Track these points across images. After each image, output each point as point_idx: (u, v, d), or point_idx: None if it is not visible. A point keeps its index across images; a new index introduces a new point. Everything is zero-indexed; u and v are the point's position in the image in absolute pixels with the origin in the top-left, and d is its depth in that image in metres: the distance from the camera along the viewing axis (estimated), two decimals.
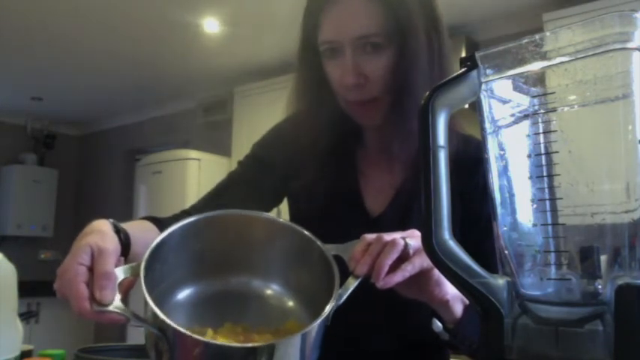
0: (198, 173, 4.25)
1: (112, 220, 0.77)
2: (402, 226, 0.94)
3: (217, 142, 4.64)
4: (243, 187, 1.05)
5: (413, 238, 0.74)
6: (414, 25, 0.88)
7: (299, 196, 1.04)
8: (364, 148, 1.01)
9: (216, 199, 1.04)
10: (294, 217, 1.06)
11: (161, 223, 0.92)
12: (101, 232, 0.71)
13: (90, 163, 6.24)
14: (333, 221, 0.98)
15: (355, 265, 0.73)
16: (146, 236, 0.80)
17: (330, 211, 0.98)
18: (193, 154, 4.33)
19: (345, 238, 0.96)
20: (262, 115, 3.96)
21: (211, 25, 3.61)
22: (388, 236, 0.73)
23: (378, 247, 0.72)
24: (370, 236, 0.74)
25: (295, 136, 1.00)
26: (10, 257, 0.81)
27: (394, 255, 0.71)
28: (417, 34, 0.88)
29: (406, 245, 0.72)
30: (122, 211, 5.59)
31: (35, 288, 5.32)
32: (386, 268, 0.70)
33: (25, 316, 4.95)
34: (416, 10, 0.89)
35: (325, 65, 0.92)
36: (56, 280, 0.67)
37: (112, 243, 0.69)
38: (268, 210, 1.07)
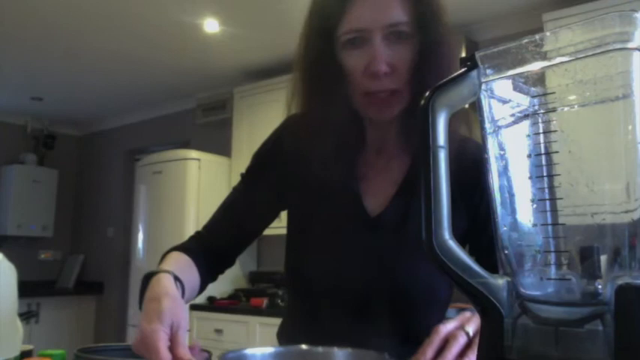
0: (198, 173, 4.25)
1: (174, 274, 0.84)
2: (402, 226, 0.94)
3: (217, 142, 4.64)
4: (248, 201, 1.07)
5: (470, 323, 0.76)
6: (436, 20, 0.90)
7: (299, 198, 1.04)
8: (365, 150, 1.01)
9: (225, 217, 1.07)
10: (292, 219, 1.06)
11: (191, 252, 1.00)
12: (172, 297, 0.78)
13: (90, 163, 6.24)
14: (332, 222, 0.98)
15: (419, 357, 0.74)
16: (191, 279, 0.94)
17: (329, 212, 0.99)
18: (193, 154, 4.33)
19: (344, 238, 0.96)
20: (262, 115, 3.96)
21: (211, 25, 3.61)
22: (446, 330, 0.75)
23: (438, 339, 0.75)
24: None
25: (295, 141, 0.99)
26: (10, 257, 0.81)
27: (456, 348, 0.73)
28: (438, 29, 0.90)
29: (467, 334, 0.74)
30: (122, 211, 5.59)
31: (35, 288, 5.34)
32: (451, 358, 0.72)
33: (25, 316, 4.95)
34: (437, 10, 0.91)
35: (344, 56, 0.91)
36: (137, 342, 0.72)
37: (183, 311, 0.77)
38: (276, 216, 1.09)
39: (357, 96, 0.92)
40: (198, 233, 1.07)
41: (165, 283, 0.81)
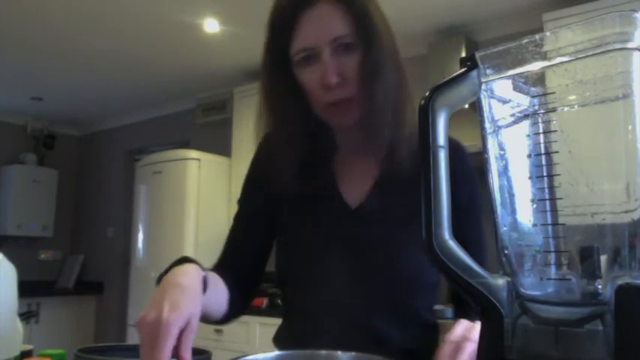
0: (198, 173, 4.25)
1: (204, 274, 0.83)
2: (383, 214, 0.97)
3: (217, 142, 4.64)
4: (251, 227, 1.10)
5: None
6: (376, 30, 0.95)
7: (283, 208, 1.06)
8: (338, 153, 1.05)
9: (232, 247, 1.10)
10: (279, 226, 1.08)
11: (216, 270, 1.00)
12: (195, 292, 0.77)
13: (90, 163, 6.24)
14: (315, 220, 1.02)
15: None
16: (218, 283, 0.95)
17: (311, 211, 1.03)
18: (193, 154, 4.33)
19: (327, 232, 0.99)
20: None
21: (211, 25, 3.61)
22: (469, 350, 0.76)
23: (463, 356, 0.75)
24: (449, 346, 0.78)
25: (271, 157, 1.03)
26: (10, 257, 0.81)
27: None
28: (380, 38, 0.95)
29: None
30: (122, 211, 5.59)
31: (35, 288, 5.34)
32: None
33: (25, 316, 4.95)
34: (374, 20, 0.95)
35: (300, 74, 0.97)
36: (143, 323, 0.70)
37: (199, 304, 0.76)
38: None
39: (319, 108, 0.98)
40: (214, 266, 1.08)
41: (187, 271, 0.81)
